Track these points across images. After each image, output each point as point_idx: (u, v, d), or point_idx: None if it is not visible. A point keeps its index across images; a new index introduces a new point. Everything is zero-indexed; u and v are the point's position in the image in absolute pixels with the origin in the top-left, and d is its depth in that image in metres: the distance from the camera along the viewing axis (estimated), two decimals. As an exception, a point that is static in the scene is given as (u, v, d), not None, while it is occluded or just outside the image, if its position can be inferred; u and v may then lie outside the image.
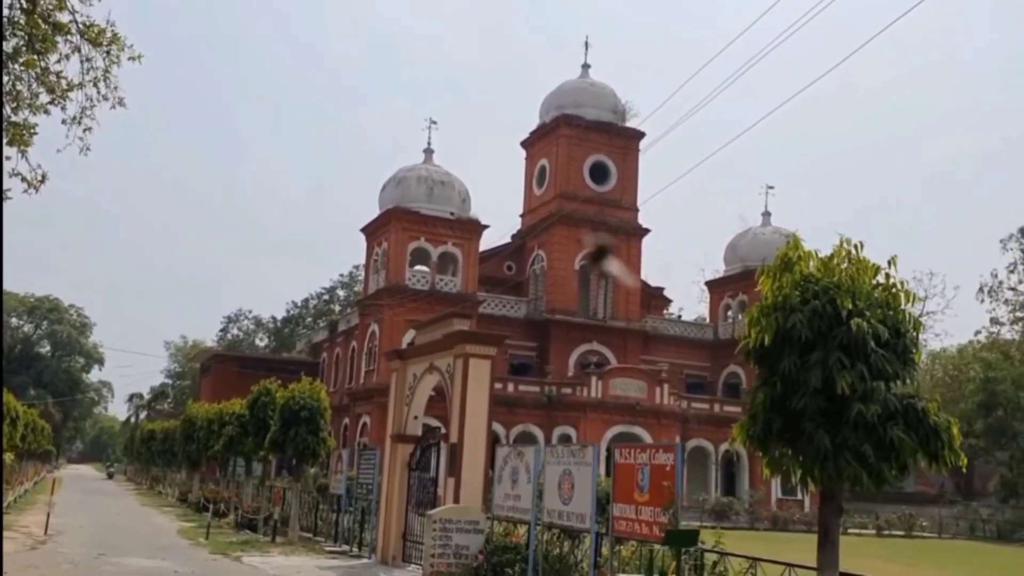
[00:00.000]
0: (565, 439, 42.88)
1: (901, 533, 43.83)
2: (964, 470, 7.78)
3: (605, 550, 11.61)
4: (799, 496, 46.95)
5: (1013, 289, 55.47)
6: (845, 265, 7.11)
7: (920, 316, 39.33)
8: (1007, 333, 56.22)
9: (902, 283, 7.19)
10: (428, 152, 49.54)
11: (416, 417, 18.82)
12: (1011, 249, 55.56)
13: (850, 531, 43.07)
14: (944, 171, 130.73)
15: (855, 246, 7.16)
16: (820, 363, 6.71)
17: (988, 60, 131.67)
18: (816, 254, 7.23)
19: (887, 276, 7.20)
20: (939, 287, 62.43)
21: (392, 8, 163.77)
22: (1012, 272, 55.50)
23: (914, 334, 7.08)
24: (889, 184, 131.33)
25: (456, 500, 15.28)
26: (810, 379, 6.70)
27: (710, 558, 10.40)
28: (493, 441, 41.22)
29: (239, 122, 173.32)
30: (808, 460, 6.82)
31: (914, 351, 7.05)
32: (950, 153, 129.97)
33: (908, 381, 7.02)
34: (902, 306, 7.12)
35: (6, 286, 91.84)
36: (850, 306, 6.80)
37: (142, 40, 11.11)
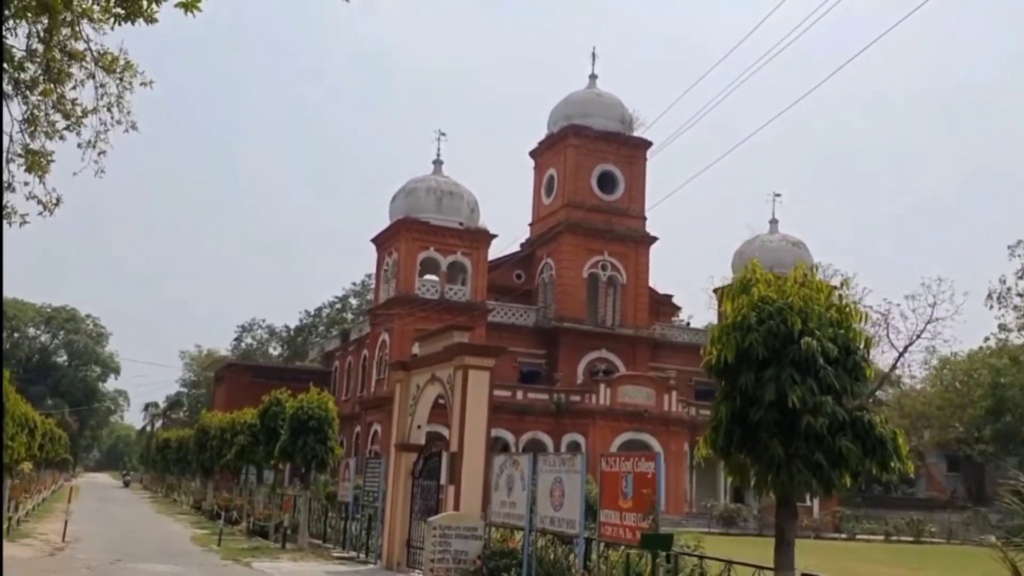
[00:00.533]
0: (574, 446, 43.31)
1: (910, 539, 43.91)
2: (915, 475, 8.21)
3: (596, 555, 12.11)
4: (808, 503, 47.18)
5: (1021, 295, 55.49)
6: (800, 288, 7.62)
7: (929, 322, 39.30)
8: (1016, 339, 56.23)
9: (854, 304, 7.71)
10: (437, 163, 50.17)
11: (419, 427, 19.37)
12: (1019, 255, 55.56)
13: (859, 537, 43.36)
14: (951, 174, 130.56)
15: (810, 269, 7.70)
16: (774, 379, 7.26)
17: (992, 64, 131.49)
18: (775, 276, 7.77)
19: (840, 297, 7.73)
20: (948, 293, 62.20)
21: (399, 21, 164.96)
22: (1021, 278, 55.48)
23: (864, 351, 7.60)
24: (894, 187, 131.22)
25: (456, 507, 15.81)
26: (765, 394, 7.24)
27: (691, 561, 10.88)
28: (502, 448, 41.59)
29: (250, 132, 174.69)
30: (763, 468, 7.37)
31: (865, 367, 7.56)
32: (957, 156, 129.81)
33: (860, 395, 7.51)
34: (854, 326, 7.64)
35: (24, 296, 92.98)
36: (800, 326, 7.33)
37: (152, 57, 11.65)
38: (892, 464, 7.33)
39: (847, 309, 7.67)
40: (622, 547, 11.60)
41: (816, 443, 7.14)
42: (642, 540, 9.39)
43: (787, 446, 7.19)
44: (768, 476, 7.36)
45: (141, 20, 9.05)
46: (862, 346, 7.63)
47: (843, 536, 43.52)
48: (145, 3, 8.75)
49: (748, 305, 7.57)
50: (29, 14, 9.31)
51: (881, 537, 43.78)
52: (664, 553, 9.95)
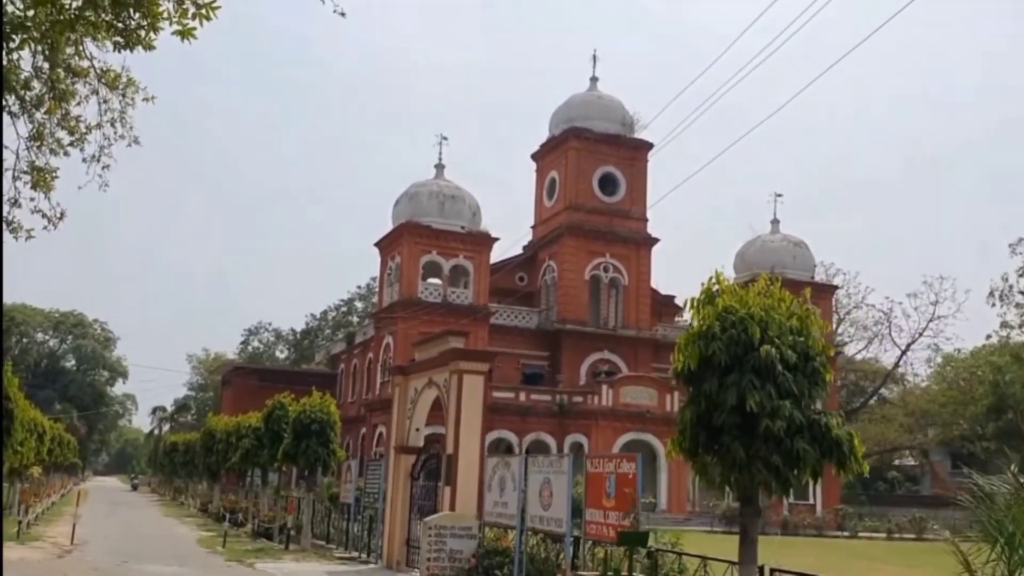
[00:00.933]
0: (577, 447, 43.66)
1: (912, 536, 44.17)
2: (858, 476, 8.61)
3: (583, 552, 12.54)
4: (811, 500, 47.58)
5: (1023, 293, 55.72)
6: (763, 298, 8.06)
7: (931, 320, 39.98)
8: (1017, 336, 56.41)
9: (814, 314, 8.14)
10: (439, 167, 50.60)
11: (418, 429, 19.84)
12: (1021, 253, 55.77)
13: (860, 535, 43.64)
14: (954, 173, 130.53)
15: (770, 280, 8.13)
16: (736, 384, 7.70)
17: (1000, 61, 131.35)
18: (736, 287, 8.21)
19: (800, 307, 8.16)
20: (950, 291, 62.59)
21: (403, 25, 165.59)
22: (1022, 276, 55.72)
23: (823, 358, 8.03)
24: (898, 187, 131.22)
25: (452, 508, 16.26)
26: (727, 398, 7.69)
27: (670, 557, 11.32)
28: (506, 449, 41.77)
29: (250, 133, 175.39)
30: (726, 469, 7.82)
31: (823, 372, 8.00)
32: (960, 156, 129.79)
33: (818, 399, 7.94)
34: (813, 334, 8.07)
35: (31, 302, 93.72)
36: (759, 335, 7.77)
37: (154, 66, 12.02)
38: (849, 464, 7.75)
39: (808, 318, 8.10)
40: (607, 544, 12.03)
41: (775, 445, 7.58)
42: (620, 537, 9.82)
43: (748, 448, 7.63)
44: (731, 476, 7.80)
45: (140, 48, 9.49)
46: (821, 353, 8.05)
47: (845, 534, 43.83)
48: (143, 32, 9.18)
49: (712, 315, 8.02)
50: (31, 42, 9.74)
51: (883, 535, 44.05)
52: (643, 549, 10.37)
